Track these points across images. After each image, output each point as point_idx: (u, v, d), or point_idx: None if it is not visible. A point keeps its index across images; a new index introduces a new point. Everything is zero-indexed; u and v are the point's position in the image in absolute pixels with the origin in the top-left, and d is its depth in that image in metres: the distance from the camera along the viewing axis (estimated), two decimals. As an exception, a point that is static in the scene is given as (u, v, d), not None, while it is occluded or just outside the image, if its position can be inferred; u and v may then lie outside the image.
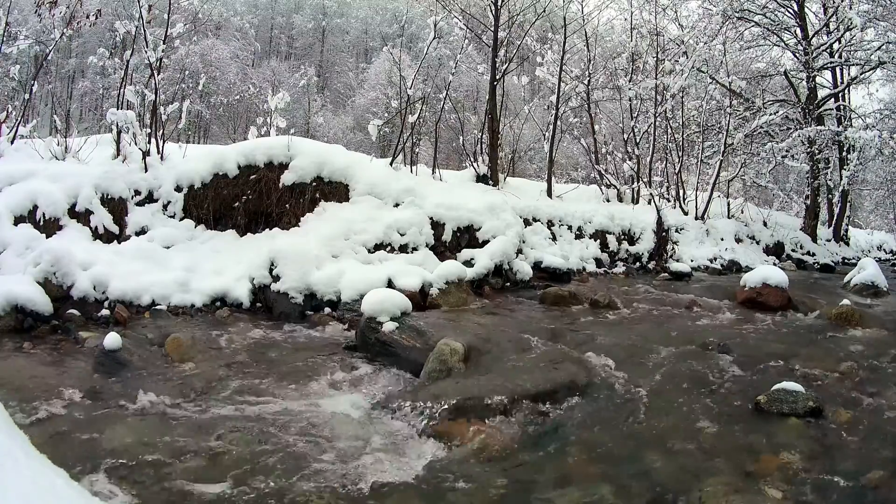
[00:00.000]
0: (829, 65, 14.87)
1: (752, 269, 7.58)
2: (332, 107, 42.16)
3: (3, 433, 1.47)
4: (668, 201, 12.49)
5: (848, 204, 17.15)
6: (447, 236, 7.47)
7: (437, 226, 7.44)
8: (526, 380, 3.61)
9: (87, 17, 7.72)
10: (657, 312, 6.07)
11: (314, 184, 7.35)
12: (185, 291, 5.65)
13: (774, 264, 10.20)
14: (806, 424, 3.15)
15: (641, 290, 7.48)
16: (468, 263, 6.94)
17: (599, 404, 3.47)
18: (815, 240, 14.29)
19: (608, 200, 11.72)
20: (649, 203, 11.50)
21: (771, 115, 13.62)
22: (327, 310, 5.70)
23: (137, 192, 6.64)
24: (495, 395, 3.34)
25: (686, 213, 12.03)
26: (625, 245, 9.91)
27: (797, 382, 3.47)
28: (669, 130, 13.51)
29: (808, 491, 2.52)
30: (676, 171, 13.03)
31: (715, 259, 10.59)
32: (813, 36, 14.36)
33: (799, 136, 13.33)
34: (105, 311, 5.05)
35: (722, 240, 11.49)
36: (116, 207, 6.39)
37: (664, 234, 10.31)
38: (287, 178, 7.21)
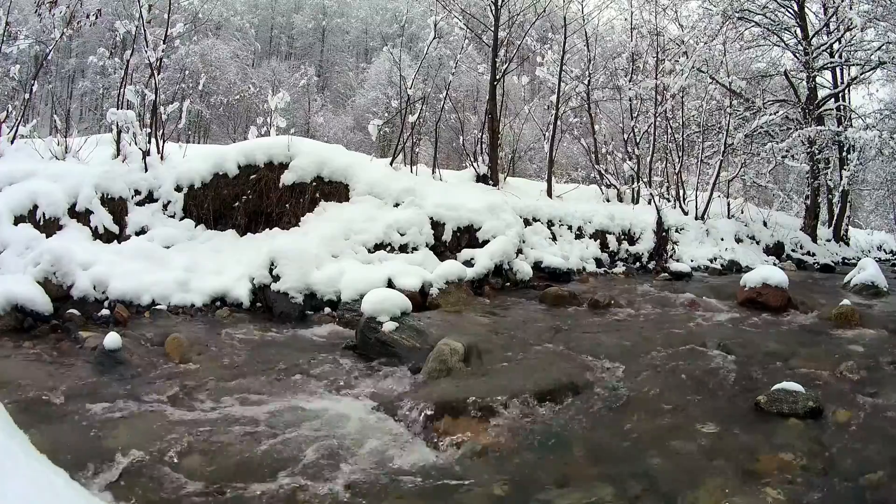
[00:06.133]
0: (829, 65, 14.87)
1: (752, 269, 7.58)
2: (332, 107, 42.13)
3: (3, 433, 1.47)
4: (668, 201, 12.49)
5: (848, 204, 17.14)
6: (447, 236, 7.47)
7: (437, 226, 7.44)
8: (526, 380, 3.61)
9: (87, 17, 7.73)
10: (657, 312, 6.07)
11: (314, 184, 7.36)
12: (185, 291, 5.64)
13: (774, 264, 10.19)
14: (806, 424, 3.14)
15: (641, 290, 7.47)
16: (468, 263, 6.94)
17: (599, 404, 3.47)
18: (815, 240, 14.28)
19: (608, 200, 11.71)
20: (649, 203, 11.50)
21: (771, 115, 13.61)
22: (327, 310, 5.70)
23: (137, 192, 6.65)
24: (495, 394, 3.34)
25: (686, 213, 12.03)
26: (625, 245, 9.90)
27: (797, 382, 3.47)
28: (669, 130, 13.51)
29: (808, 491, 2.52)
30: (676, 171, 13.03)
31: (715, 259, 10.58)
32: (813, 36, 14.35)
33: (799, 136, 13.33)
34: (105, 311, 5.05)
35: (722, 240, 11.49)
36: (116, 207, 6.40)
37: (664, 234, 10.31)
38: (287, 178, 7.21)
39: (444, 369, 3.78)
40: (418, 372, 3.88)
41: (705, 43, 12.63)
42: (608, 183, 12.34)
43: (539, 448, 2.93)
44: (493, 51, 10.65)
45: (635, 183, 12.37)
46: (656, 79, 12.54)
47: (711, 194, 12.27)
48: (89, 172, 6.34)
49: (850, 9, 12.66)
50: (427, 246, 7.21)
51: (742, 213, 13.18)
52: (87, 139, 7.26)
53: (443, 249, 7.34)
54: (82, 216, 6.07)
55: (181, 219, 6.76)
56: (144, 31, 7.43)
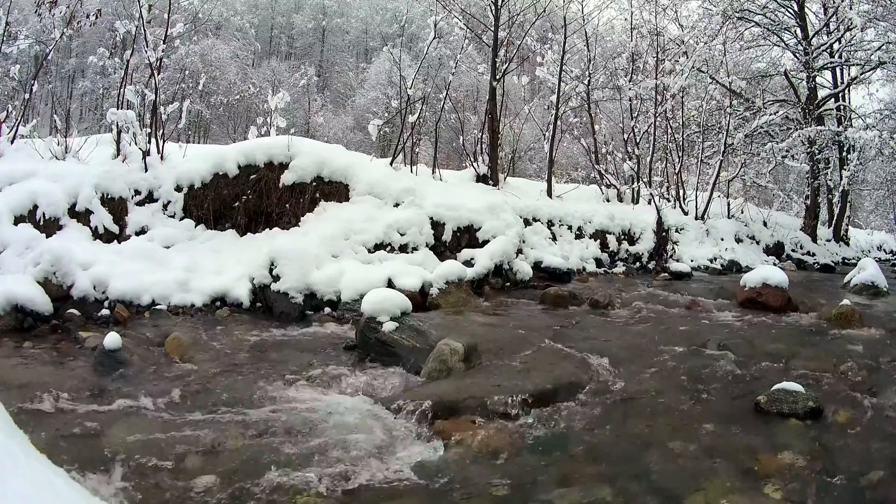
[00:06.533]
0: (829, 65, 14.88)
1: (752, 269, 7.58)
2: (332, 107, 42.12)
3: (3, 433, 1.47)
4: (668, 201, 12.50)
5: (848, 204, 17.16)
6: (447, 236, 7.47)
7: (437, 226, 7.44)
8: (526, 380, 3.61)
9: (87, 17, 7.73)
10: (657, 312, 6.07)
11: (314, 184, 7.36)
12: (185, 291, 5.64)
13: (774, 264, 10.20)
14: (806, 424, 3.14)
15: (641, 290, 7.48)
16: (468, 263, 6.94)
17: (599, 404, 3.47)
18: (815, 240, 14.29)
19: (608, 200, 11.72)
20: (649, 203, 11.51)
21: (771, 115, 13.62)
22: (327, 310, 5.70)
23: (137, 192, 6.65)
24: (495, 395, 3.34)
25: (686, 213, 12.03)
26: (625, 245, 9.91)
27: (797, 382, 3.47)
28: (669, 130, 13.52)
29: (808, 491, 2.52)
30: (676, 171, 13.04)
31: (715, 259, 10.59)
32: (813, 36, 14.36)
33: (799, 136, 13.34)
34: (105, 311, 5.05)
35: (722, 240, 11.50)
36: (116, 207, 6.40)
37: (664, 234, 10.31)
38: (287, 178, 7.21)
39: (444, 369, 3.78)
40: (418, 372, 3.88)
41: (705, 43, 12.64)
42: (608, 183, 12.34)
43: (539, 448, 2.93)
44: (493, 51, 10.65)
45: (635, 183, 12.38)
46: (656, 79, 12.55)
47: (711, 194, 12.27)
48: (89, 172, 6.34)
49: (850, 9, 12.67)
50: (427, 246, 7.21)
51: (742, 213, 13.18)
52: (87, 139, 7.26)
53: (443, 249, 7.34)
54: (82, 216, 6.07)
55: (181, 219, 6.76)
56: (144, 31, 7.43)
